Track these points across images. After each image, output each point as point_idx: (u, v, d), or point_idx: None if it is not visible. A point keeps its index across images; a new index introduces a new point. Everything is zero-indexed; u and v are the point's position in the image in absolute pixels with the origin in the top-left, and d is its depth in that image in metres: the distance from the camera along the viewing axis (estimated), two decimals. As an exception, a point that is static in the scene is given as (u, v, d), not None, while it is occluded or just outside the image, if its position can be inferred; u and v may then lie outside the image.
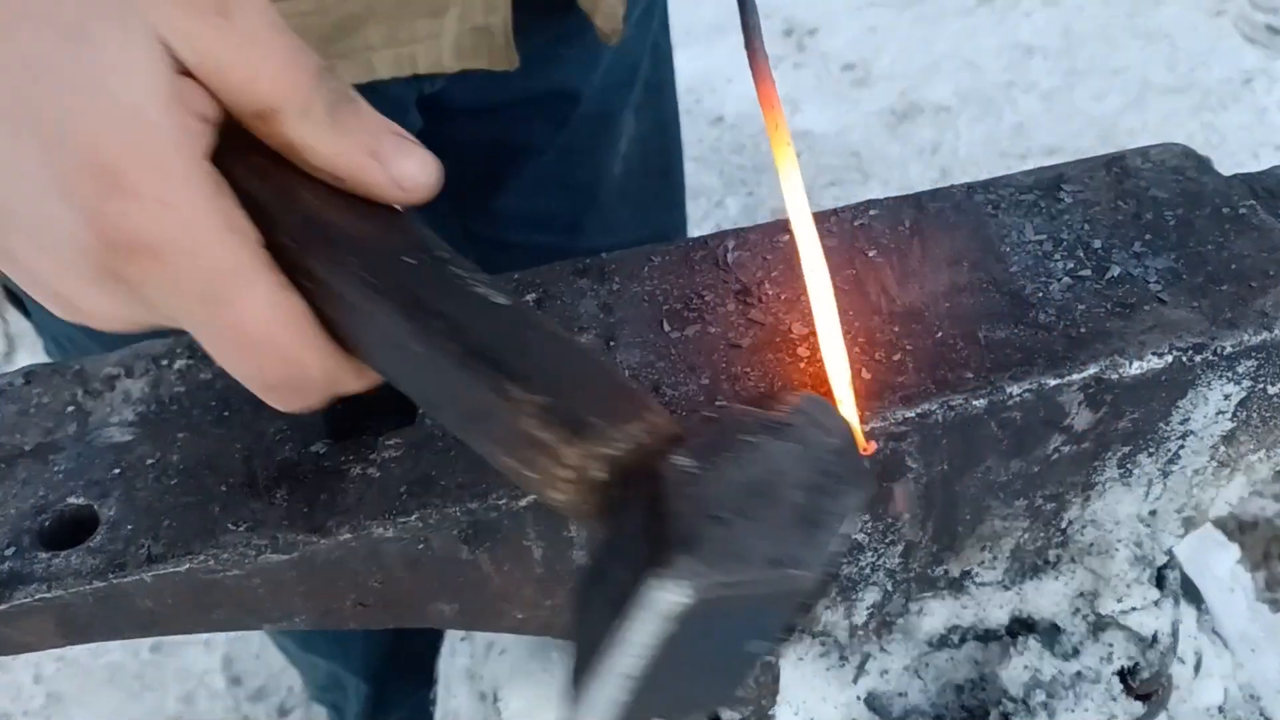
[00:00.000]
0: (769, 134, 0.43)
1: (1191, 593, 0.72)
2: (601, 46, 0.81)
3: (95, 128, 0.36)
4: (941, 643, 0.62)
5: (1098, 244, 0.56)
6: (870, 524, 0.54)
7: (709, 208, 2.39)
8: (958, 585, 0.60)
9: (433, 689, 0.82)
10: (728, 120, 2.56)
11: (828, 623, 0.59)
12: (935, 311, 0.53)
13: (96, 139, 0.36)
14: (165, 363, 0.55)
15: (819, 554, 0.36)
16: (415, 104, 0.78)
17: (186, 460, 0.50)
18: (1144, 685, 0.61)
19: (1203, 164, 0.61)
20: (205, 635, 1.71)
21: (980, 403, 0.50)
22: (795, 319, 0.54)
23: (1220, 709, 0.68)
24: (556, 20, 0.80)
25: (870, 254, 0.57)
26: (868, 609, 0.58)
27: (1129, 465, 0.55)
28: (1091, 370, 0.50)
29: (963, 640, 0.62)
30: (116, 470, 0.50)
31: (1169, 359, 0.51)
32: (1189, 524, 0.60)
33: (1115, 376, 0.51)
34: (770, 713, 0.59)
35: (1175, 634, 0.61)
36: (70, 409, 0.53)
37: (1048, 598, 0.60)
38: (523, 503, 0.48)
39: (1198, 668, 0.68)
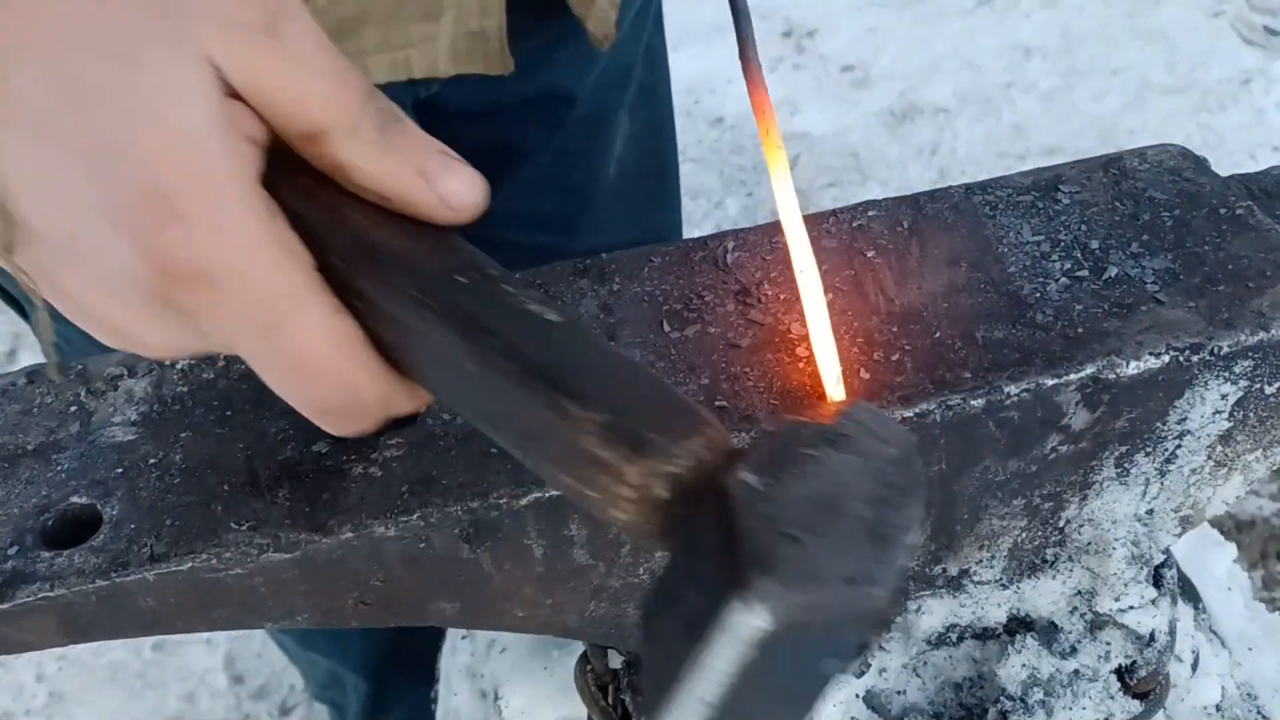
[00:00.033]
0: (761, 143, 0.43)
1: (1189, 591, 0.72)
2: (596, 49, 0.81)
3: (150, 156, 0.35)
4: (940, 641, 0.62)
5: (1095, 244, 0.56)
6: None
7: (709, 208, 2.39)
8: (956, 584, 0.60)
9: (434, 687, 0.82)
10: (727, 121, 2.56)
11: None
12: (933, 312, 0.54)
13: (151, 167, 0.35)
14: (167, 362, 0.55)
15: (890, 570, 0.35)
16: (410, 107, 0.78)
17: (189, 460, 0.50)
18: (1141, 684, 0.62)
19: (1200, 165, 0.61)
20: (207, 634, 1.70)
21: (978, 403, 0.50)
22: (794, 319, 0.54)
23: (1218, 707, 0.68)
24: (551, 24, 0.80)
25: (869, 255, 0.57)
26: (866, 608, 0.59)
27: (1126, 465, 0.56)
28: (1089, 370, 0.51)
29: (961, 639, 0.63)
30: (119, 469, 0.50)
31: (1166, 359, 0.51)
32: (1186, 523, 0.61)
33: (1112, 376, 0.51)
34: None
35: (1173, 632, 0.62)
36: (73, 408, 0.53)
37: (1045, 596, 0.60)
38: (523, 502, 0.48)
39: (1195, 666, 0.68)
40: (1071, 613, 0.61)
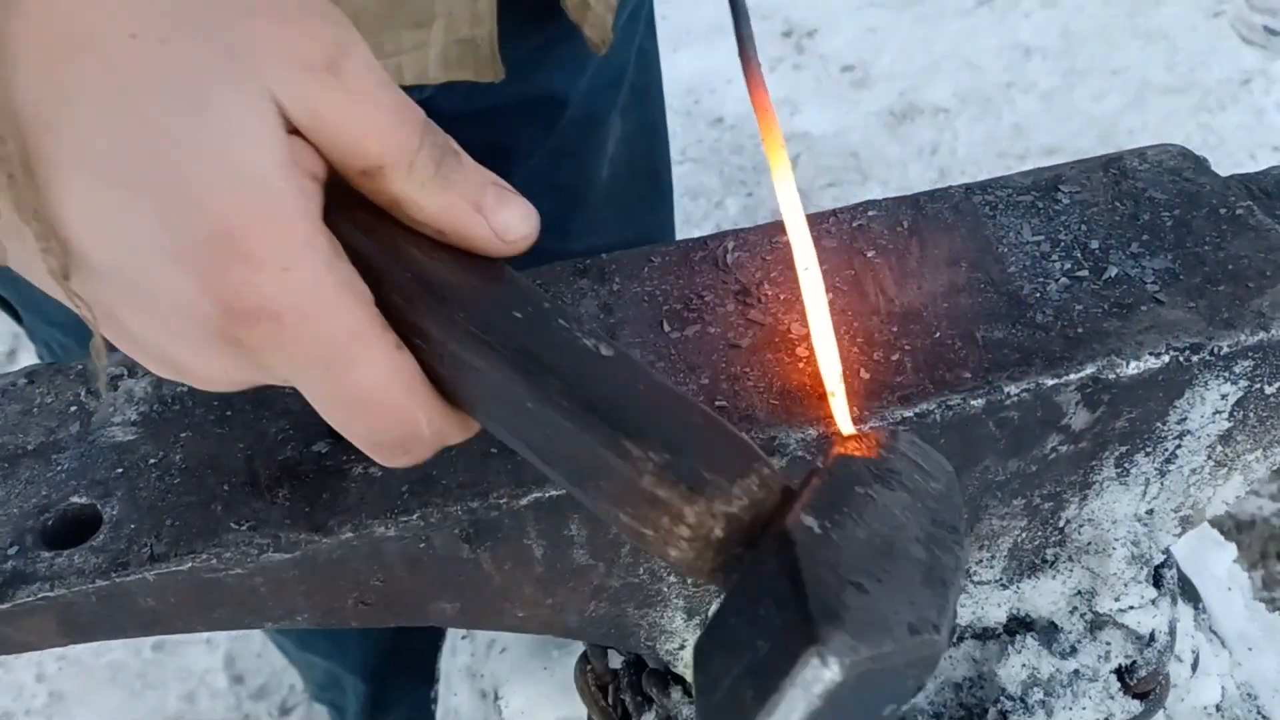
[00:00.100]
0: (763, 142, 0.43)
1: (1189, 591, 0.72)
2: (588, 51, 0.81)
3: (217, 196, 0.35)
4: (940, 641, 0.62)
5: (1095, 244, 0.56)
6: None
7: (708, 208, 2.39)
8: (956, 584, 0.60)
9: (434, 687, 0.83)
10: (727, 121, 2.56)
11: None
12: (933, 312, 0.54)
13: (218, 207, 0.35)
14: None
15: (947, 614, 0.35)
16: None
17: (189, 459, 0.50)
18: (1141, 683, 0.62)
19: (1200, 165, 0.61)
20: (207, 634, 1.71)
21: (978, 402, 0.50)
22: (794, 319, 0.54)
23: (1218, 707, 0.68)
24: (543, 27, 0.80)
25: (869, 255, 0.57)
26: (866, 608, 0.59)
27: (1126, 465, 0.56)
28: (1089, 370, 0.51)
29: (961, 639, 0.63)
30: (119, 469, 0.50)
31: (1166, 359, 0.51)
32: (1186, 523, 0.61)
33: (1112, 376, 0.51)
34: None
35: (1173, 632, 0.62)
36: (73, 408, 0.53)
37: (1045, 596, 0.60)
38: (523, 502, 0.48)
39: (1195, 666, 0.68)
40: (1071, 613, 0.61)
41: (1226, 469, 0.58)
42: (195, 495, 0.49)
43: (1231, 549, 0.82)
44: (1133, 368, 0.51)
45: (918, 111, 2.53)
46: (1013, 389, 0.50)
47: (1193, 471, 0.58)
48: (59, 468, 0.50)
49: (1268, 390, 0.54)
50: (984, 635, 0.63)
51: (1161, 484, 0.58)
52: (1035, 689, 0.60)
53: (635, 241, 0.65)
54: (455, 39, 0.72)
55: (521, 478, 0.48)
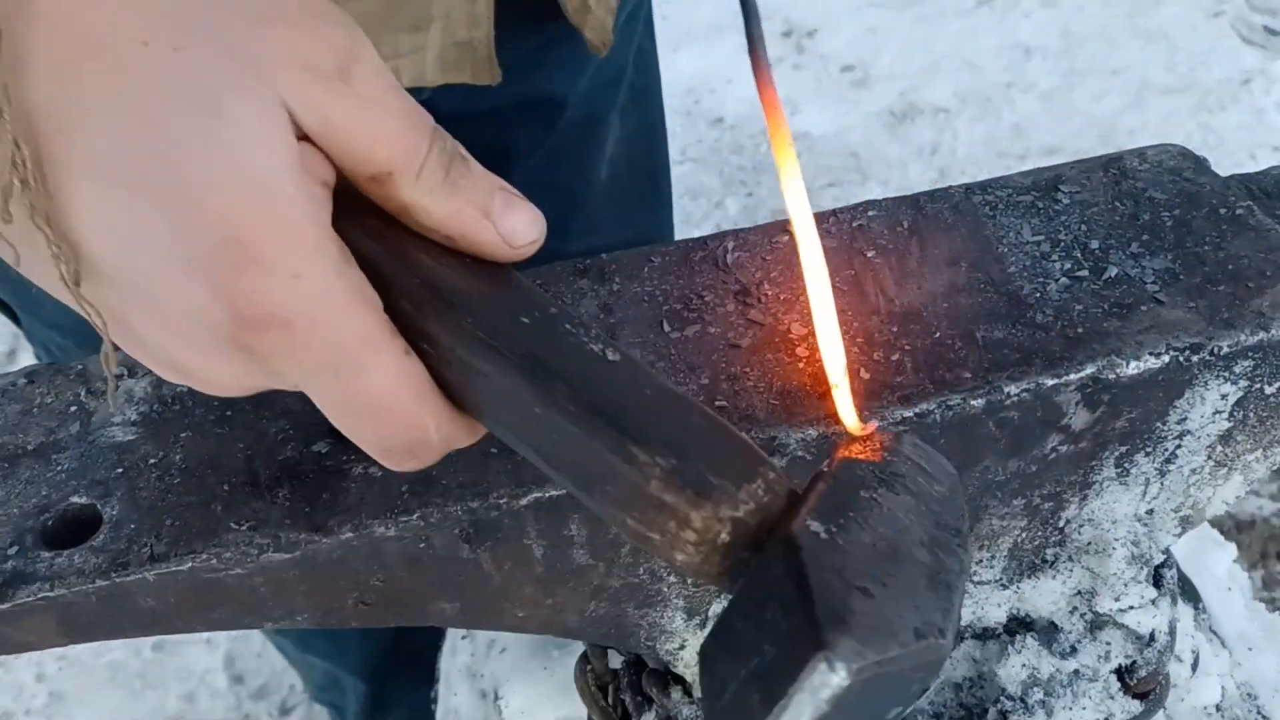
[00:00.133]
0: (771, 142, 0.43)
1: (1189, 591, 0.72)
2: (587, 52, 0.81)
3: (229, 202, 0.35)
4: (940, 641, 0.62)
5: (1095, 244, 0.56)
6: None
7: (709, 208, 2.39)
8: (956, 584, 0.60)
9: (434, 687, 0.83)
10: (727, 121, 2.56)
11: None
12: (933, 312, 0.54)
13: (230, 214, 0.35)
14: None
15: (952, 618, 0.36)
16: None
17: (189, 459, 0.50)
18: (1141, 683, 0.62)
19: (1200, 165, 0.61)
20: (207, 634, 1.71)
21: (978, 403, 0.50)
22: (794, 319, 0.54)
23: (1218, 707, 0.68)
24: (542, 28, 0.80)
25: (869, 254, 0.57)
26: (866, 608, 0.59)
27: (1126, 465, 0.56)
28: (1089, 370, 0.51)
29: (961, 639, 0.63)
30: (119, 469, 0.50)
31: (1166, 359, 0.51)
32: (1186, 523, 0.61)
33: (1112, 376, 0.51)
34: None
35: (1173, 632, 0.62)
36: (73, 408, 0.53)
37: (1045, 596, 0.60)
38: (523, 502, 0.48)
39: (1195, 666, 0.68)
40: (1071, 613, 0.61)
41: (1226, 469, 0.58)
42: (195, 495, 0.49)
43: (1231, 549, 0.82)
44: (1133, 368, 0.51)
45: (918, 111, 2.53)
46: (1013, 389, 0.50)
47: (1193, 471, 0.58)
48: (59, 468, 0.50)
49: (1268, 390, 0.54)
50: (984, 635, 0.63)
51: (1161, 484, 0.58)
52: (1035, 689, 0.60)
53: (635, 242, 0.65)
54: (453, 41, 0.72)
55: (521, 478, 0.48)
